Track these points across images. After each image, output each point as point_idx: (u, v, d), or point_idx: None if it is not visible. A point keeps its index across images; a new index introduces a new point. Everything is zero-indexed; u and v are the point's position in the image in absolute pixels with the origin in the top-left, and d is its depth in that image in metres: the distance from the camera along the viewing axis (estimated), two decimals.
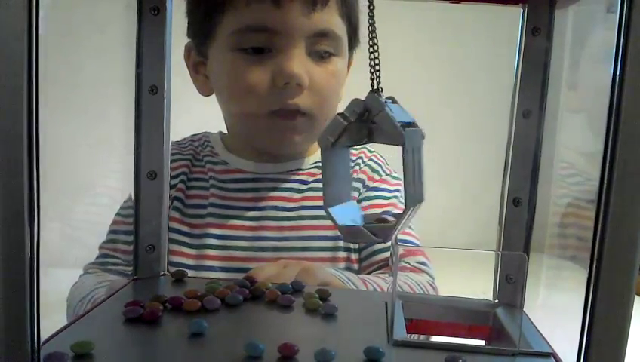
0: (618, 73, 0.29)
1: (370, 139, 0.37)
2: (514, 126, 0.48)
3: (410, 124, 0.37)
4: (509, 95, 0.49)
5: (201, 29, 0.68)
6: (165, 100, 0.51)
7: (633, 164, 0.29)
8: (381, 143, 0.37)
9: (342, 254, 0.68)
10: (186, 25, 0.70)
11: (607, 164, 0.30)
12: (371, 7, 0.37)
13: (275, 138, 0.69)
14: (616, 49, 0.29)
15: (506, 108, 0.49)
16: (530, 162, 0.47)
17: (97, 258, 0.69)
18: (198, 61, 0.71)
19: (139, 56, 0.50)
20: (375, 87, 0.37)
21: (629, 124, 0.29)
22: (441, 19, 2.94)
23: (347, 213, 0.39)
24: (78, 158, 1.90)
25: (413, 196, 0.36)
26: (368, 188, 0.73)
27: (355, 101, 0.37)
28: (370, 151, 0.76)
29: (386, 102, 0.36)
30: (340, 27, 0.67)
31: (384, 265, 0.67)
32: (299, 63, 0.63)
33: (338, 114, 0.37)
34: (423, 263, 0.68)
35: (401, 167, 0.35)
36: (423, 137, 0.38)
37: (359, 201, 0.71)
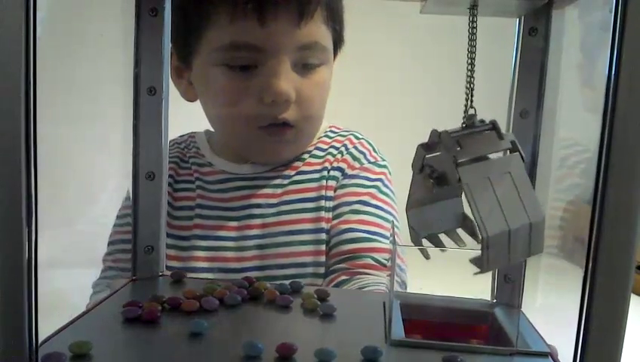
0: (613, 72, 0.29)
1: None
2: (511, 126, 0.48)
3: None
4: (507, 95, 0.49)
5: (184, 41, 0.66)
6: (163, 101, 0.51)
7: (629, 163, 0.30)
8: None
9: (324, 248, 0.67)
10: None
11: (603, 163, 0.30)
12: (474, 26, 0.38)
13: (262, 151, 0.69)
14: (612, 48, 0.29)
15: (504, 109, 0.49)
16: (528, 162, 0.47)
17: (102, 272, 0.69)
18: (180, 66, 0.69)
19: (137, 58, 0.50)
20: (468, 106, 0.39)
21: (624, 124, 0.29)
22: (439, 19, 2.94)
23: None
24: (76, 159, 1.90)
25: (488, 224, 0.36)
26: (346, 176, 0.70)
27: (432, 132, 0.39)
28: (357, 138, 0.74)
29: (454, 134, 0.39)
30: (325, 37, 0.65)
31: (348, 258, 0.66)
32: (285, 79, 0.62)
33: (420, 145, 0.40)
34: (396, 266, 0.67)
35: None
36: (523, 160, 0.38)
37: (335, 190, 0.70)
